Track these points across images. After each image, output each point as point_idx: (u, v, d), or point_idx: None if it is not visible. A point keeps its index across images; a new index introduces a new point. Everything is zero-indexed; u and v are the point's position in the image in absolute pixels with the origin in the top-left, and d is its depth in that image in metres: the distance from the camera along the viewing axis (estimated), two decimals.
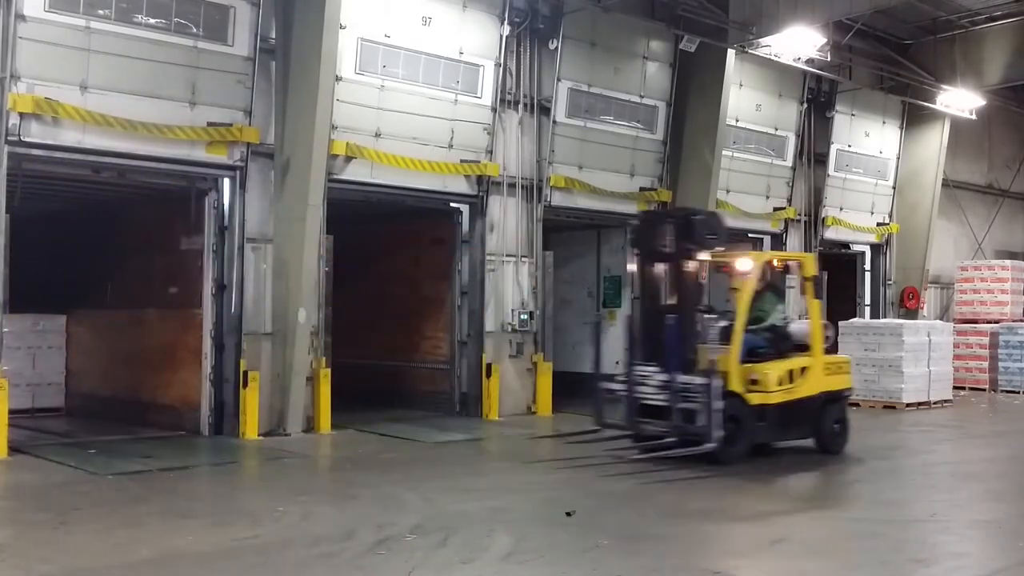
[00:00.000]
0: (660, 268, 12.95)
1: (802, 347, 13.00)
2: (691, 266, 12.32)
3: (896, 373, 19.34)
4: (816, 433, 13.05)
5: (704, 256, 12.46)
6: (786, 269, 14.76)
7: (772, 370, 12.34)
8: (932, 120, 24.70)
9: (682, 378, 11.83)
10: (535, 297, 17.56)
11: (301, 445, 13.59)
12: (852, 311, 24.64)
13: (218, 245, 14.26)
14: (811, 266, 13.67)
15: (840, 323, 20.71)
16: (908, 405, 19.32)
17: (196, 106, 13.48)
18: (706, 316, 12.65)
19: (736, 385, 12.03)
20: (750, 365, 12.27)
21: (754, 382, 12.22)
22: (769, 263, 13.53)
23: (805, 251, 22.69)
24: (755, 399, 12.16)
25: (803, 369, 12.74)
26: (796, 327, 13.44)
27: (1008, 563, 8.06)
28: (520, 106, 17.29)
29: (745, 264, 12.83)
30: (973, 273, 25.20)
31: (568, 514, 9.14)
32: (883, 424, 17.24)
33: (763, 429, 12.33)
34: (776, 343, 12.82)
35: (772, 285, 13.45)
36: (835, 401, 13.20)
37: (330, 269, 15.11)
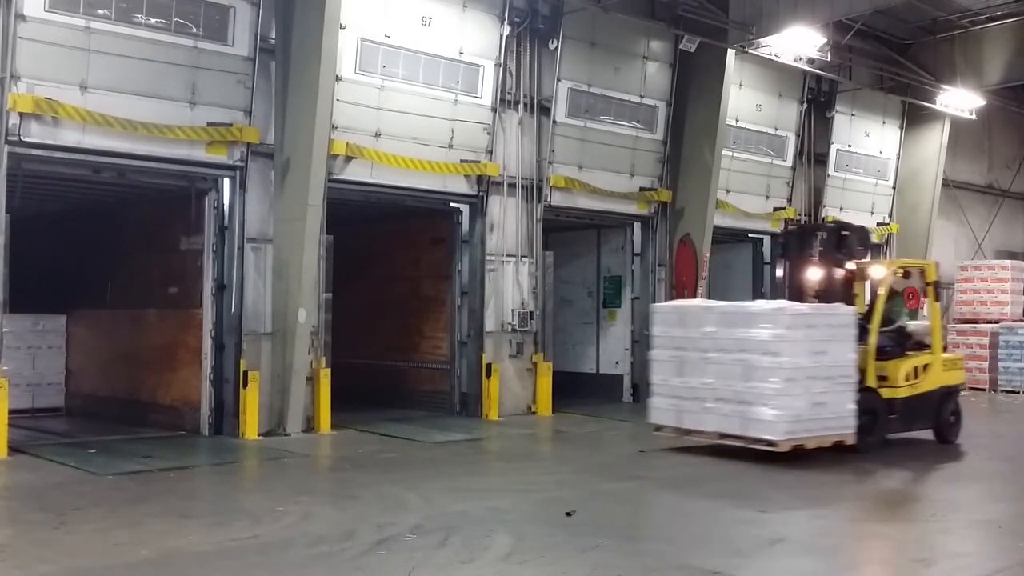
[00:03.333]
0: (809, 274, 14.02)
1: (921, 345, 14.13)
2: (839, 273, 13.82)
3: None
4: (935, 424, 14.13)
5: (851, 265, 13.89)
6: (906, 275, 15.79)
7: (900, 367, 13.48)
8: (932, 120, 24.69)
9: None
10: (535, 297, 17.56)
11: (301, 445, 13.59)
12: None
13: (218, 245, 14.27)
14: (933, 272, 14.72)
15: None
16: None
17: (196, 106, 13.48)
18: None
19: (871, 381, 13.13)
20: (880, 362, 13.32)
21: (882, 378, 13.32)
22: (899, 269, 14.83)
23: None
24: (885, 393, 13.25)
25: (925, 366, 13.86)
26: (915, 326, 14.61)
27: (1008, 563, 8.05)
28: (520, 106, 17.29)
29: (879, 271, 14.20)
30: (973, 273, 25.19)
31: (568, 514, 9.15)
32: None
33: (893, 421, 13.39)
34: (901, 341, 14.01)
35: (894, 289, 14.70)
36: (951, 395, 14.28)
37: (330, 269, 15.11)
